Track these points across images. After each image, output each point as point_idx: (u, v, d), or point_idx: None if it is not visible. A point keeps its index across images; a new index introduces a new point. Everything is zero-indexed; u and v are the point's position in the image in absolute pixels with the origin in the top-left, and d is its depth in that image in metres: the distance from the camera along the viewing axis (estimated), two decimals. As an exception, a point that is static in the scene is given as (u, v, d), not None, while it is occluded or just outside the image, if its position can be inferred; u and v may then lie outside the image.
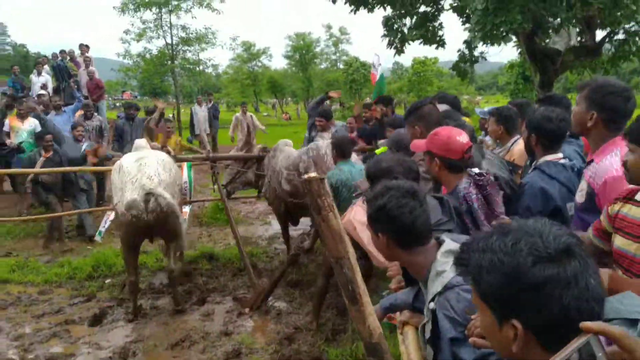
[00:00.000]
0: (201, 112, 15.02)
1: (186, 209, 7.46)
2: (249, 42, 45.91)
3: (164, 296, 5.95)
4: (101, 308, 5.61)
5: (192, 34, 21.81)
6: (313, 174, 2.01)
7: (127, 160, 5.34)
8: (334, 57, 46.23)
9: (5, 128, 8.85)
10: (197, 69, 24.26)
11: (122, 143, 9.09)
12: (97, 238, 7.49)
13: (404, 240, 1.94)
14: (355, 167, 4.79)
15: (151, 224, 4.94)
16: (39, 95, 10.49)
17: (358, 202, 3.52)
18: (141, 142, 6.13)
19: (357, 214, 3.34)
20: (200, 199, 9.37)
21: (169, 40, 21.65)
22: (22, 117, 8.88)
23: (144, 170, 5.06)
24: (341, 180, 4.60)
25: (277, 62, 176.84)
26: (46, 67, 12.27)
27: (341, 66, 44.99)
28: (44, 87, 10.96)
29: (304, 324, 4.98)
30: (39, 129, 8.65)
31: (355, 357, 4.15)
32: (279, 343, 4.65)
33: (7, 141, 8.65)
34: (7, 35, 68.48)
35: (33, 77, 11.94)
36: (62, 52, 12.51)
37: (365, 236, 2.99)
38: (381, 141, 5.45)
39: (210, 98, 16.97)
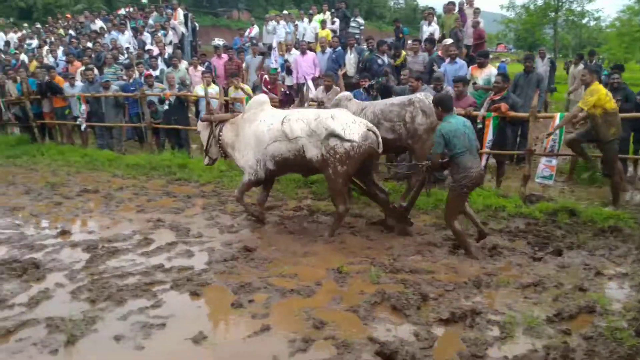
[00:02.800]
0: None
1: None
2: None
3: (518, 239, 6.13)
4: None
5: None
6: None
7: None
8: None
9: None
10: (581, 21, 22.41)
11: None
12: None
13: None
14: (458, 118, 5.64)
15: None
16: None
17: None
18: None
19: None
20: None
21: (556, -9, 20.56)
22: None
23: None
24: (451, 130, 5.40)
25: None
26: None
27: None
28: (431, 36, 11.97)
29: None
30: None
31: None
32: (640, 312, 4.31)
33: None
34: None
35: (424, 25, 13.12)
36: (451, 3, 13.26)
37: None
38: None
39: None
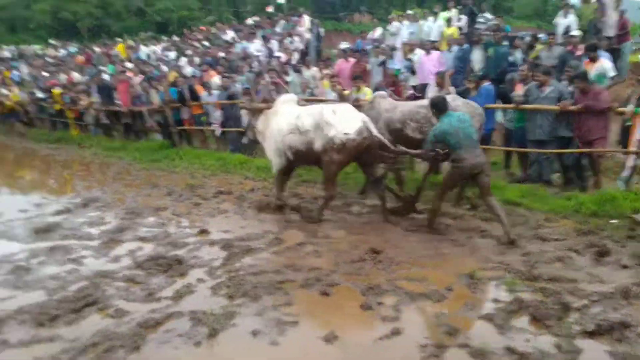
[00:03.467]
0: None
1: None
2: None
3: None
4: (602, 245, 5.65)
5: None
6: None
7: None
8: None
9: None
10: None
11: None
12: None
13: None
14: (452, 116, 6.05)
15: None
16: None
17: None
18: None
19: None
20: None
21: None
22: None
23: None
24: (442, 131, 6.00)
25: None
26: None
27: None
28: (568, 28, 11.20)
29: None
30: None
31: None
32: None
33: None
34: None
35: (560, 17, 12.27)
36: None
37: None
38: None
39: None
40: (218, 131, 11.87)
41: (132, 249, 6.27)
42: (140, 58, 18.68)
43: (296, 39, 15.68)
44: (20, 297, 5.04)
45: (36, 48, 40.74)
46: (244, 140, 8.88)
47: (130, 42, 22.35)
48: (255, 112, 7.79)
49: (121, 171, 11.15)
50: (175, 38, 22.98)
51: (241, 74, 12.89)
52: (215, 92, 12.08)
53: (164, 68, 16.27)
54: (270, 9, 25.85)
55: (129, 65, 17.07)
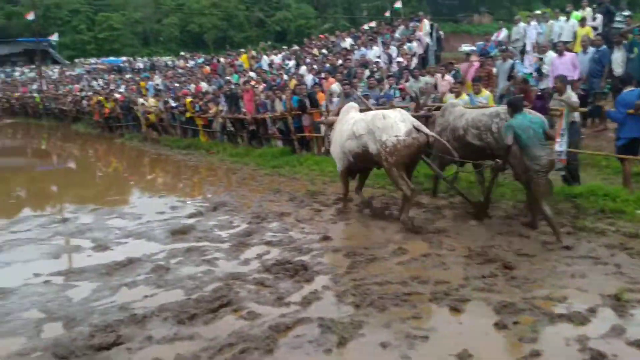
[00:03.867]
0: None
1: None
2: None
3: None
4: None
5: None
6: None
7: None
8: None
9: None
10: None
11: None
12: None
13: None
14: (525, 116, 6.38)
15: None
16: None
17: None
18: None
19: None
20: None
21: None
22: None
23: None
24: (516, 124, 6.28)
25: None
26: None
27: None
28: None
29: None
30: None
31: None
32: None
33: None
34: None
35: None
36: None
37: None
38: None
39: None
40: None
41: (260, 253, 6.52)
42: (261, 67, 19.47)
43: (415, 44, 15.48)
44: (162, 295, 5.43)
45: (166, 59, 44.04)
46: (322, 150, 9.95)
47: (253, 53, 23.38)
48: (330, 124, 8.60)
49: (246, 177, 11.67)
50: (295, 47, 23.66)
51: (360, 80, 12.94)
52: (335, 99, 12.21)
53: (284, 77, 16.80)
54: (387, 14, 25.86)
55: (252, 74, 17.86)
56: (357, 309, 4.76)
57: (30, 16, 38.04)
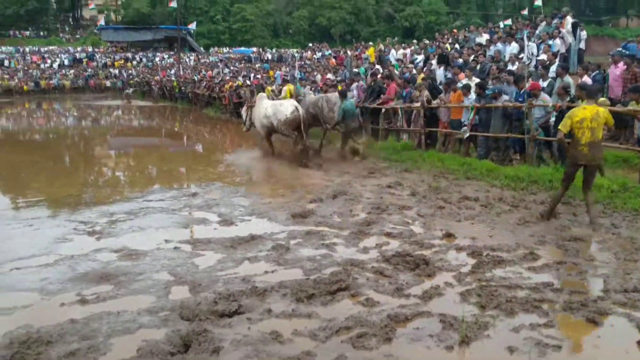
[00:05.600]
0: None
1: None
2: None
3: None
4: None
5: None
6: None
7: None
8: None
9: None
10: None
11: None
12: None
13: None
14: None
15: None
16: None
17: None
18: None
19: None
20: None
21: None
22: None
23: None
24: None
25: None
26: None
27: None
28: None
29: None
30: None
31: None
32: None
33: None
34: None
35: None
36: None
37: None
38: None
39: None
40: (467, 134, 11.51)
41: (379, 243, 6.42)
42: (389, 60, 19.28)
43: (557, 41, 14.45)
44: (281, 272, 5.53)
45: (293, 51, 45.31)
46: (244, 129, 14.35)
47: (381, 46, 23.24)
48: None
49: (367, 168, 11.55)
50: (427, 41, 23.16)
51: (493, 77, 12.31)
52: (472, 96, 11.74)
53: (414, 71, 16.49)
54: (525, 12, 24.52)
55: (379, 67, 17.73)
56: (483, 310, 4.50)
57: (173, 3, 40.89)
